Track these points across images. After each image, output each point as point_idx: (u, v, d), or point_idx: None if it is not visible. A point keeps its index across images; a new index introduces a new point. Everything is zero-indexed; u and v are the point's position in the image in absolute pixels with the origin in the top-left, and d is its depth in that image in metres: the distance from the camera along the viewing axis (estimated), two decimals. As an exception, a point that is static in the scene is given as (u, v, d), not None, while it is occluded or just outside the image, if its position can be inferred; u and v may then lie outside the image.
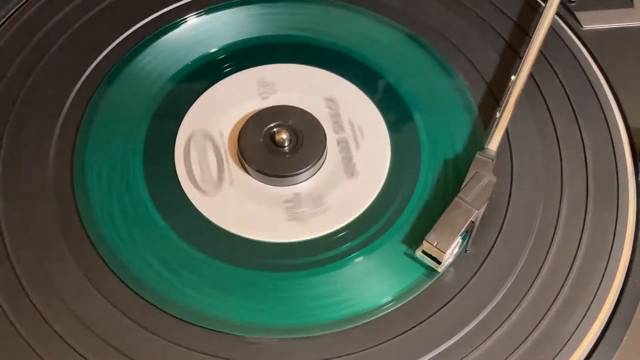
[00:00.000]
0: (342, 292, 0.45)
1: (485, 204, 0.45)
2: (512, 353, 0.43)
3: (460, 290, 0.45)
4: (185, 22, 0.56)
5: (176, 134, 0.51)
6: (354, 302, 0.45)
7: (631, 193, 0.49)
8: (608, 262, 0.46)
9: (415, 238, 0.46)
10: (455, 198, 0.45)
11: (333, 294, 0.45)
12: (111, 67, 0.54)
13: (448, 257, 0.45)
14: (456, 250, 0.46)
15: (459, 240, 0.45)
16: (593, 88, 0.53)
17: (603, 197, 0.48)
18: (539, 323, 0.44)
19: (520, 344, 0.43)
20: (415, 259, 0.46)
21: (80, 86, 0.53)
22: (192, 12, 0.57)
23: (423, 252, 0.45)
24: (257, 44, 0.56)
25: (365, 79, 0.54)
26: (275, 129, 0.50)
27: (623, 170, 0.49)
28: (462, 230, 0.44)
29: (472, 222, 0.45)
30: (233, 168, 0.50)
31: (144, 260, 0.46)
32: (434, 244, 0.44)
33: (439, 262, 0.45)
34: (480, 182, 0.46)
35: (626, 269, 0.46)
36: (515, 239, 0.47)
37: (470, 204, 0.45)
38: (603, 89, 0.53)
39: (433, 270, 0.45)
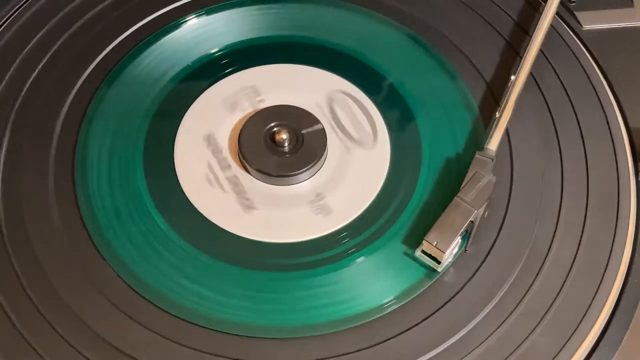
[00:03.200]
0: (342, 292, 0.45)
1: (485, 204, 0.45)
2: (511, 353, 0.43)
3: (460, 290, 0.45)
4: (186, 22, 0.56)
5: (176, 134, 0.51)
6: (355, 302, 0.45)
7: (631, 193, 0.49)
8: (608, 262, 0.46)
9: (415, 238, 0.46)
10: (455, 198, 0.45)
11: (333, 294, 0.45)
12: (111, 67, 0.54)
13: (448, 257, 0.45)
14: (456, 250, 0.46)
15: (458, 240, 0.45)
16: (593, 88, 0.53)
17: (603, 197, 0.48)
18: (538, 323, 0.44)
19: (520, 344, 0.43)
20: (415, 259, 0.46)
21: (80, 86, 0.53)
22: (192, 13, 0.57)
23: (423, 251, 0.45)
24: (257, 44, 0.56)
25: (366, 79, 0.54)
26: (275, 129, 0.50)
27: (623, 170, 0.49)
28: (462, 230, 0.44)
29: (472, 221, 0.45)
30: (233, 168, 0.50)
31: (144, 259, 0.46)
32: (434, 244, 0.44)
33: (439, 262, 0.45)
34: (480, 181, 0.46)
35: (626, 269, 0.46)
36: (515, 238, 0.47)
37: (470, 204, 0.45)
38: (603, 89, 0.53)
39: (433, 270, 0.45)
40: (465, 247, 0.46)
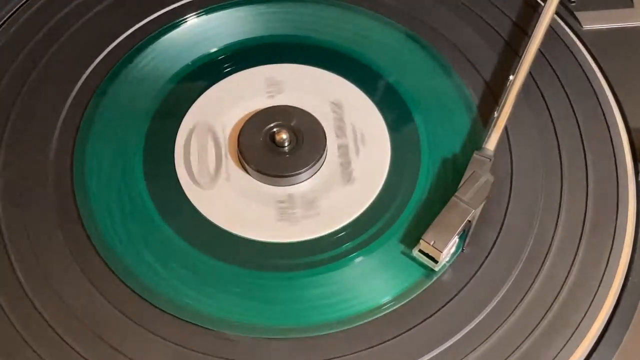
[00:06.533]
0: (342, 292, 0.45)
1: (483, 204, 0.45)
2: (511, 353, 0.43)
3: (460, 290, 0.45)
4: (185, 22, 0.56)
5: (176, 134, 0.51)
6: (354, 302, 0.45)
7: (631, 193, 0.48)
8: (608, 262, 0.46)
9: (415, 238, 0.46)
10: (453, 197, 0.45)
11: (333, 294, 0.45)
12: (111, 67, 0.54)
13: (445, 257, 0.45)
14: (453, 249, 0.46)
15: (456, 239, 0.45)
16: (593, 88, 0.53)
17: (603, 197, 0.48)
18: (538, 323, 0.44)
19: (520, 344, 0.43)
20: (414, 259, 0.46)
21: (80, 86, 0.53)
22: (192, 12, 0.57)
23: (420, 251, 0.45)
24: (257, 44, 0.56)
25: (365, 79, 0.54)
26: (275, 129, 0.50)
27: (623, 170, 0.49)
28: (459, 229, 0.44)
29: (469, 221, 0.45)
30: (233, 168, 0.50)
31: (144, 260, 0.46)
32: (431, 243, 0.44)
33: (436, 261, 0.45)
34: (478, 181, 0.46)
35: (626, 269, 0.46)
36: (515, 238, 0.47)
37: (468, 204, 0.45)
38: (603, 89, 0.53)
39: (431, 270, 0.45)
40: (463, 246, 0.46)
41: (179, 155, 0.50)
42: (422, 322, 0.44)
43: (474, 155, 0.48)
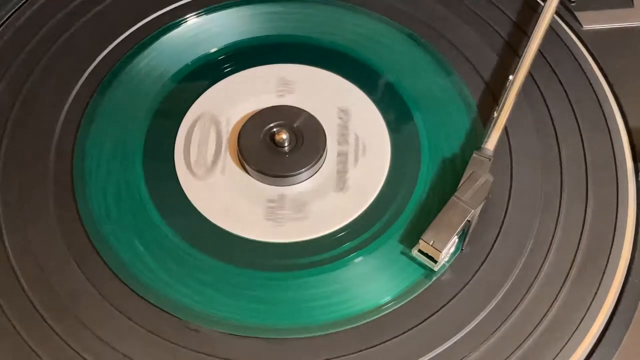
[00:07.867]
0: (342, 292, 0.45)
1: (482, 204, 0.45)
2: (511, 353, 0.43)
3: (460, 290, 0.45)
4: (185, 22, 0.56)
5: (176, 134, 0.51)
6: (354, 302, 0.45)
7: (631, 193, 0.48)
8: (608, 262, 0.46)
9: (415, 238, 0.46)
10: (452, 197, 0.45)
11: (333, 294, 0.45)
12: (111, 67, 0.54)
13: (444, 256, 0.45)
14: (452, 249, 0.46)
15: (455, 239, 0.45)
16: (593, 88, 0.53)
17: (603, 197, 0.48)
18: (538, 323, 0.44)
19: (520, 344, 0.43)
20: (414, 259, 0.46)
21: (80, 86, 0.53)
22: (192, 12, 0.57)
23: (419, 251, 0.45)
24: (256, 44, 0.56)
25: (365, 79, 0.54)
26: (275, 129, 0.50)
27: (623, 170, 0.49)
28: (459, 229, 0.44)
29: (469, 221, 0.45)
30: (233, 168, 0.50)
31: (143, 260, 0.46)
32: (430, 243, 0.44)
33: (435, 261, 0.45)
34: (477, 181, 0.46)
35: (626, 269, 0.46)
36: (515, 238, 0.47)
37: (467, 203, 0.45)
38: (603, 89, 0.53)
39: (430, 270, 0.45)
40: (463, 246, 0.46)
41: (178, 155, 0.50)
42: (422, 322, 0.44)
43: (474, 155, 0.48)
